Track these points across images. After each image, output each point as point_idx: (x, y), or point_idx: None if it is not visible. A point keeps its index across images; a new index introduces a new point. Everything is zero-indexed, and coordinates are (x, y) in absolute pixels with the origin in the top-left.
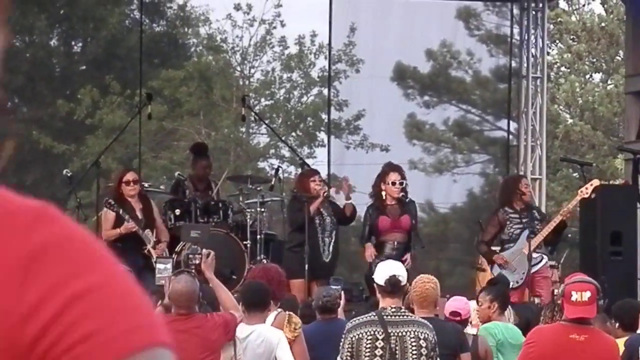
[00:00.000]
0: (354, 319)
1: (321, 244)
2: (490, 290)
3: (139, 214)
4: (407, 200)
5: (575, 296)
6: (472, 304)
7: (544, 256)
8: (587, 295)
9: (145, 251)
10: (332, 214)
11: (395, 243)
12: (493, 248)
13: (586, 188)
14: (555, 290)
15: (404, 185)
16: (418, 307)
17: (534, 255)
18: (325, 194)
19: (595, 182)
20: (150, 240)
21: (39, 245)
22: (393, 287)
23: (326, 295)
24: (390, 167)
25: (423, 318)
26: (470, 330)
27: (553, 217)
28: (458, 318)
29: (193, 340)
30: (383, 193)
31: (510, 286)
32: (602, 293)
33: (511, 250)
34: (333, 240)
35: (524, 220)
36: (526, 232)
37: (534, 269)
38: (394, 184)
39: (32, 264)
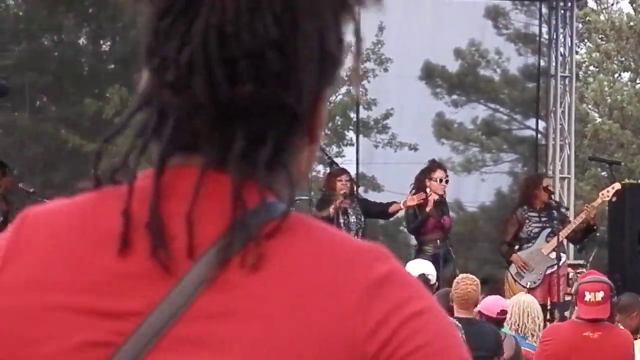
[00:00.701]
0: None
1: None
2: (483, 290)
3: None
4: (444, 199)
5: (588, 296)
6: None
7: (563, 255)
8: (600, 295)
9: None
10: (359, 212)
11: (438, 242)
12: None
13: (607, 191)
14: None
15: (447, 184)
16: (458, 308)
17: (552, 256)
18: (343, 193)
19: (617, 186)
20: None
21: (381, 276)
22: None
23: None
24: (436, 164)
25: (462, 319)
26: (507, 330)
27: (576, 217)
28: (504, 316)
29: None
30: (427, 190)
31: (528, 286)
32: (616, 291)
33: (529, 250)
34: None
35: (543, 219)
36: (546, 231)
37: (552, 269)
38: (440, 181)
39: (376, 290)
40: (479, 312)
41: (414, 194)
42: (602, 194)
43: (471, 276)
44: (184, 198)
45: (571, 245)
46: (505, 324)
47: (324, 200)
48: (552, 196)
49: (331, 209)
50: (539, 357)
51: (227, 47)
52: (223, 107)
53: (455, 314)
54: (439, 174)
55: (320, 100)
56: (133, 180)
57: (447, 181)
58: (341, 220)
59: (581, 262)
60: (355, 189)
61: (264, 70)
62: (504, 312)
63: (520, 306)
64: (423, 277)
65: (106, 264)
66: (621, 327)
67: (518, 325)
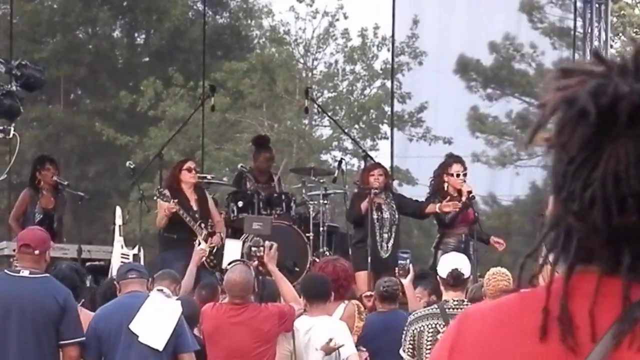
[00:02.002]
0: (417, 311)
1: (379, 240)
2: (424, 283)
3: (194, 205)
4: (470, 195)
5: None
6: None
7: None
8: None
9: (196, 243)
10: (393, 208)
11: (463, 236)
12: None
13: None
14: None
15: (466, 177)
16: None
17: None
18: (374, 192)
19: None
20: (202, 232)
21: None
22: (455, 280)
23: (387, 281)
24: (452, 158)
25: None
26: None
27: None
28: None
29: (245, 330)
30: (445, 185)
31: None
32: None
33: None
34: (393, 236)
35: None
36: None
37: None
38: (458, 175)
39: None
40: None
41: (432, 188)
42: None
43: (503, 270)
44: (586, 296)
45: None
46: None
47: (359, 194)
48: None
49: (363, 205)
50: None
51: (619, 188)
52: (614, 231)
53: None
54: (456, 168)
55: None
56: (550, 284)
57: (464, 174)
58: (374, 216)
59: None
60: (390, 183)
61: None
62: None
63: None
64: (456, 272)
65: (529, 349)
66: None
67: None
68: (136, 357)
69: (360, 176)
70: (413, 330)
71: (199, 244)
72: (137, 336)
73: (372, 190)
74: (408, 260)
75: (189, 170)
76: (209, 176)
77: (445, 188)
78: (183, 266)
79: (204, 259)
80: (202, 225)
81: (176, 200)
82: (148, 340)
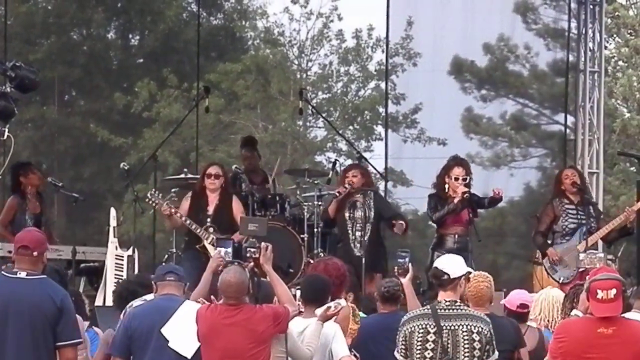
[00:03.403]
0: (409, 312)
1: (351, 238)
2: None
3: (210, 209)
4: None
5: (601, 294)
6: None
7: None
8: (612, 292)
9: (198, 247)
10: (370, 208)
11: (456, 236)
12: (548, 241)
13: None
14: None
15: (467, 181)
16: (473, 305)
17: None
18: (337, 191)
19: None
20: (208, 237)
21: None
22: (436, 279)
23: (388, 282)
24: (455, 162)
25: None
26: (532, 323)
27: (612, 217)
28: (526, 310)
29: (240, 331)
30: (446, 186)
31: (561, 281)
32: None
33: (565, 246)
34: (367, 234)
35: (580, 215)
36: (582, 229)
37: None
38: (457, 179)
39: None
40: (504, 305)
41: (435, 190)
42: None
43: (484, 273)
44: None
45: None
46: (532, 317)
47: (330, 198)
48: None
49: (330, 208)
50: (554, 354)
51: None
52: None
53: None
54: (457, 171)
55: None
56: None
57: (464, 179)
58: (347, 215)
59: (610, 256)
60: (372, 183)
61: None
62: (524, 306)
63: (549, 301)
64: (434, 272)
65: None
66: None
67: (548, 320)
68: None
69: (340, 176)
70: (405, 331)
71: (202, 247)
72: (168, 341)
73: (337, 192)
74: (407, 259)
75: (209, 176)
76: None
77: (446, 190)
78: (191, 267)
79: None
80: (210, 229)
81: (167, 202)
82: (177, 346)
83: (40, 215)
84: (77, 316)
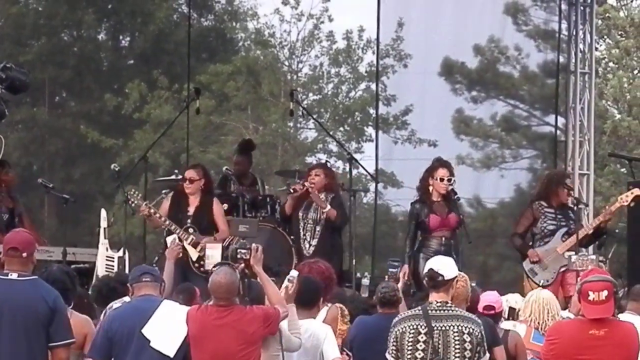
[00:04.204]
0: (401, 313)
1: (302, 237)
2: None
3: (191, 210)
4: (454, 197)
5: (592, 296)
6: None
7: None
8: (604, 294)
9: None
10: (326, 208)
11: (443, 239)
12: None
13: (626, 196)
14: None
15: (451, 182)
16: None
17: (567, 254)
18: (293, 188)
19: (637, 192)
20: (188, 237)
21: None
22: (431, 281)
23: (385, 287)
24: (439, 163)
25: None
26: (503, 325)
27: (594, 220)
28: (492, 312)
29: (230, 333)
30: (430, 188)
31: (541, 284)
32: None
33: (545, 248)
34: (318, 234)
35: (558, 217)
36: (562, 231)
37: (565, 267)
38: (442, 180)
39: None
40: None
41: (419, 193)
42: (621, 199)
43: (461, 273)
44: None
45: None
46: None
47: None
48: (572, 193)
49: (287, 205)
50: (546, 356)
51: None
52: None
53: None
54: (441, 172)
55: None
56: None
57: (449, 180)
58: (300, 215)
59: (601, 258)
60: (334, 185)
61: None
62: (489, 308)
63: (540, 303)
64: (432, 273)
65: None
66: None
67: (538, 322)
68: None
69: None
70: (396, 332)
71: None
72: (149, 341)
73: (291, 189)
74: (398, 270)
75: (183, 180)
76: None
77: (430, 192)
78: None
79: (180, 254)
80: (190, 230)
81: (146, 202)
82: (159, 346)
83: (13, 209)
84: (86, 317)
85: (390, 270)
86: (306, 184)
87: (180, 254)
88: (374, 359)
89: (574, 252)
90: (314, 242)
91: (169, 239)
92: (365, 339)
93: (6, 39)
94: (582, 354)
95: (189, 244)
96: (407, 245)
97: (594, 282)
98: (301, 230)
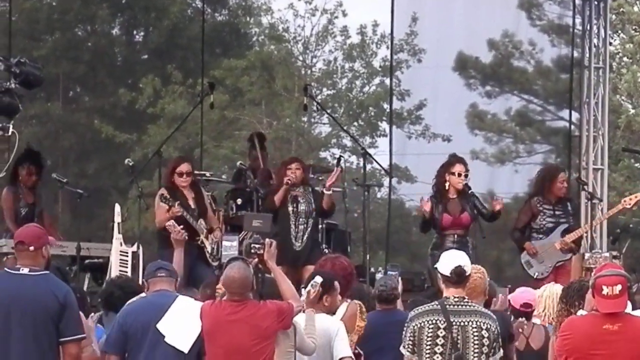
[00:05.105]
0: (417, 308)
1: (293, 232)
2: None
3: (192, 203)
4: (469, 192)
5: (606, 290)
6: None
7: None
8: (618, 288)
9: (199, 242)
10: (310, 201)
11: (456, 237)
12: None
13: (630, 199)
14: None
15: (467, 177)
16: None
17: (565, 250)
18: (287, 181)
19: None
20: (203, 230)
21: None
22: (459, 277)
23: (382, 285)
24: (456, 158)
25: None
26: (536, 320)
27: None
28: (530, 309)
29: (244, 328)
30: (447, 184)
31: (535, 277)
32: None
33: (543, 242)
34: (309, 229)
35: (557, 213)
36: (562, 227)
37: (560, 263)
38: (459, 175)
39: None
40: (508, 302)
41: (435, 188)
42: (624, 201)
43: (477, 266)
44: None
45: (604, 237)
46: (536, 314)
47: (273, 189)
48: (586, 188)
49: (276, 197)
50: (560, 351)
51: None
52: None
53: None
54: (458, 168)
55: None
56: None
57: (466, 175)
58: (290, 208)
59: (614, 253)
60: (308, 178)
61: None
62: (527, 305)
63: (553, 297)
64: (459, 270)
65: None
66: None
67: (552, 318)
68: (160, 357)
69: (277, 171)
70: (414, 327)
71: (201, 242)
72: (164, 336)
73: (286, 181)
74: (397, 274)
75: (180, 174)
76: (207, 174)
77: (447, 187)
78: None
79: (186, 237)
80: (203, 223)
81: (178, 202)
82: (174, 341)
83: (33, 205)
84: (80, 313)
85: (390, 273)
86: (289, 179)
87: (186, 238)
88: (374, 354)
89: (588, 250)
90: (306, 236)
91: (169, 225)
92: (365, 334)
93: (20, 34)
94: (596, 349)
95: (204, 236)
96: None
97: (608, 276)
98: (292, 224)
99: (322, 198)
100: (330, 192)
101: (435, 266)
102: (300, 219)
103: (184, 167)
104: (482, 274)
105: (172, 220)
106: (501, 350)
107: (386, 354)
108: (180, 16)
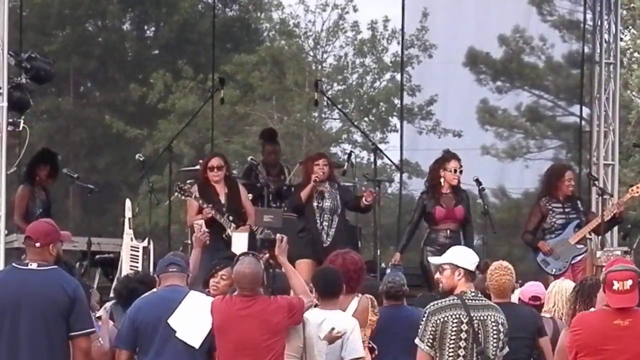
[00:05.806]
0: (435, 302)
1: (319, 228)
2: None
3: (223, 199)
4: (480, 187)
5: (617, 285)
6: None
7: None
8: (628, 283)
9: (224, 236)
10: (336, 198)
11: (449, 232)
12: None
13: (637, 187)
14: None
15: (461, 173)
16: (495, 297)
17: (579, 246)
18: (316, 178)
19: None
20: (230, 225)
21: None
22: (480, 271)
23: (390, 281)
24: (450, 154)
25: (500, 303)
26: (545, 314)
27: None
28: (538, 302)
29: (254, 323)
30: (441, 180)
31: (553, 273)
32: None
33: (557, 239)
34: (335, 224)
35: (566, 211)
36: (574, 223)
37: (577, 259)
38: (454, 171)
39: None
40: (518, 297)
41: (428, 184)
42: (632, 190)
43: (505, 264)
44: None
45: (615, 232)
46: (546, 309)
47: (300, 184)
48: (596, 183)
49: (303, 193)
50: (570, 347)
51: None
52: None
53: (493, 300)
54: (452, 164)
55: None
56: None
57: (460, 171)
58: (315, 204)
59: (625, 248)
60: (334, 175)
61: None
62: (536, 299)
63: (562, 293)
64: (481, 263)
65: None
66: None
67: (562, 313)
68: (171, 352)
69: (305, 165)
70: (435, 321)
71: (227, 236)
72: (175, 331)
73: (314, 178)
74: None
75: (211, 169)
76: None
77: (442, 184)
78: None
79: (207, 241)
80: (230, 218)
81: (211, 206)
82: (185, 336)
83: (48, 203)
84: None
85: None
86: (316, 177)
87: (208, 242)
88: (382, 349)
89: (599, 248)
90: (332, 232)
91: (196, 224)
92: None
93: (31, 29)
94: (606, 345)
95: (232, 231)
96: (406, 233)
97: (619, 271)
98: (318, 220)
99: (361, 204)
100: (370, 203)
101: (441, 260)
102: (325, 215)
103: (215, 162)
104: (511, 275)
105: (202, 221)
106: (506, 347)
107: (393, 349)
108: (191, 11)
